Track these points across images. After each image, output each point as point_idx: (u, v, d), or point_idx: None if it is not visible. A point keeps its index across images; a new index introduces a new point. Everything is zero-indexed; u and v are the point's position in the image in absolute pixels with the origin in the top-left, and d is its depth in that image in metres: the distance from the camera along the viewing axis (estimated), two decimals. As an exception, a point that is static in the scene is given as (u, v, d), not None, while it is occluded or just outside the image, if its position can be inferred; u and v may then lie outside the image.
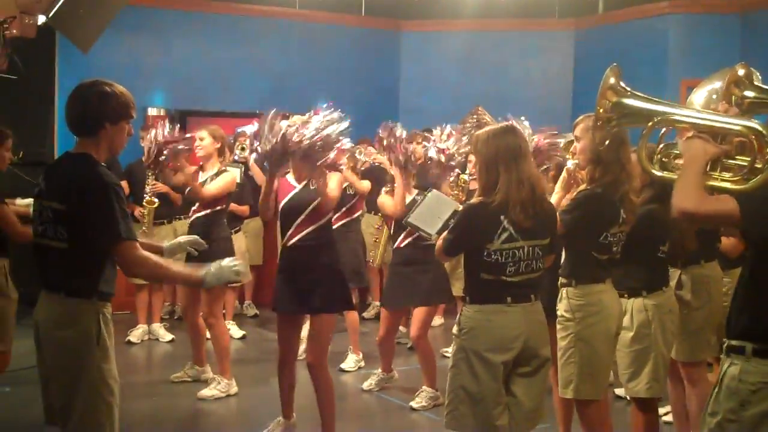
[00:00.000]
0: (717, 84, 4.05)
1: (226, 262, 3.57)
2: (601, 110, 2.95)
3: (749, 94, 3.22)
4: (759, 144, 2.58)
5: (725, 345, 2.65)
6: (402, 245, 6.03)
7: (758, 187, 2.59)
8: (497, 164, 3.61)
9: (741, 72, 3.22)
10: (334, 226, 6.55)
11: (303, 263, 4.93)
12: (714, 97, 3.96)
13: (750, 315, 2.57)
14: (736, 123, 2.66)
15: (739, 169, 2.67)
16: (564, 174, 4.29)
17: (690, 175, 2.59)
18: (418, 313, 6.06)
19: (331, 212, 5.12)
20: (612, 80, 2.92)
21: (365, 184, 7.31)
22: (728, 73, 3.32)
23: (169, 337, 7.93)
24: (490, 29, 11.27)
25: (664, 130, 2.91)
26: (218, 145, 6.26)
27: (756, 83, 3.42)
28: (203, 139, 6.24)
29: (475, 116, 6.30)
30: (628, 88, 2.92)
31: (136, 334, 7.79)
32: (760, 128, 2.60)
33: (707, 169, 2.65)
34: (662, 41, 9.97)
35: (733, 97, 3.07)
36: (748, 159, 2.62)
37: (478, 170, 3.74)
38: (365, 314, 8.88)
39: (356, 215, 7.29)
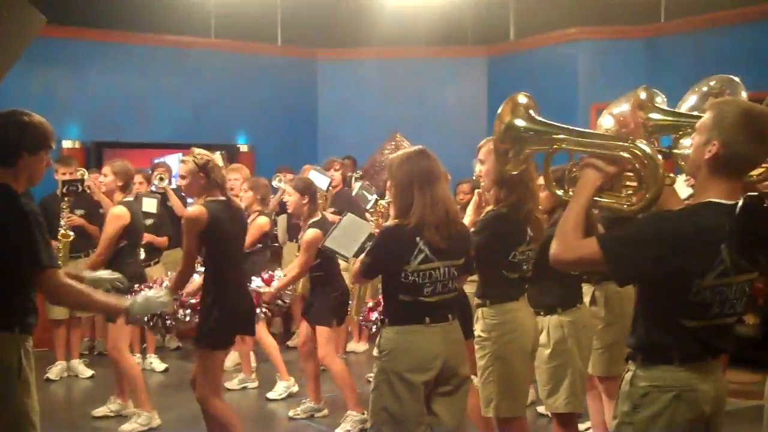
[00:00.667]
0: (624, 107, 4.21)
1: (152, 293, 3.55)
2: (496, 138, 2.98)
3: (654, 116, 3.36)
4: (643, 165, 2.69)
5: (627, 353, 2.79)
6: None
7: (646, 208, 2.70)
8: (411, 187, 3.68)
9: (643, 95, 3.36)
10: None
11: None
12: (621, 119, 4.11)
13: (639, 332, 2.71)
14: (619, 145, 2.75)
15: (633, 189, 2.78)
16: (475, 197, 4.39)
17: (570, 215, 2.70)
18: (319, 332, 6.10)
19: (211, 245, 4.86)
20: (522, 100, 2.95)
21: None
22: (632, 96, 3.46)
23: (88, 373, 7.76)
24: (405, 57, 11.42)
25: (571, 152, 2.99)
26: (120, 183, 6.15)
27: (658, 105, 3.57)
28: (106, 176, 6.21)
29: (393, 142, 6.39)
30: (529, 112, 2.97)
31: (54, 371, 7.61)
32: (644, 148, 2.70)
33: (604, 189, 2.77)
34: (572, 66, 10.25)
35: (640, 119, 3.19)
36: (635, 178, 2.73)
37: (393, 193, 3.80)
38: (290, 342, 8.85)
39: (257, 248, 7.12)
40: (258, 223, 6.85)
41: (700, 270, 2.53)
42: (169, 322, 5.05)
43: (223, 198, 4.82)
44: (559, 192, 2.95)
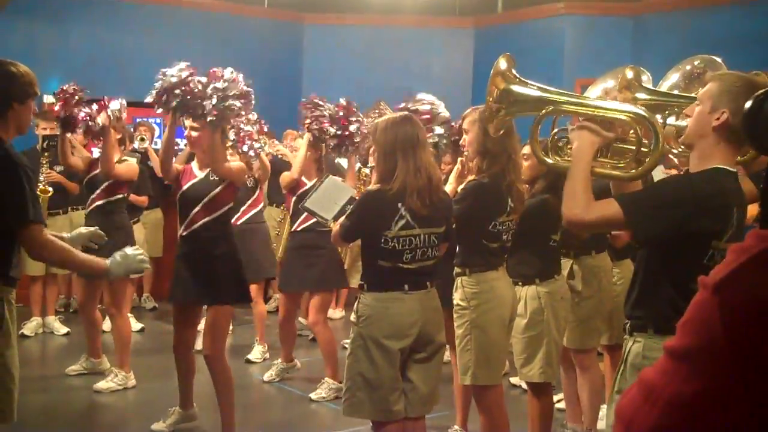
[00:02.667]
0: (610, 83, 4.23)
1: (131, 251, 3.54)
2: (491, 99, 3.02)
3: (641, 96, 3.37)
4: (643, 130, 2.73)
5: (627, 325, 2.79)
6: (298, 229, 6.10)
7: (644, 174, 2.73)
8: (395, 152, 3.67)
9: (630, 74, 3.37)
10: (241, 221, 6.58)
11: (199, 253, 4.90)
12: (608, 95, 4.12)
13: (648, 304, 2.70)
14: (620, 109, 2.79)
15: (624, 155, 2.80)
16: (458, 165, 4.40)
17: (577, 177, 2.70)
18: (314, 299, 6.14)
19: (230, 204, 5.03)
20: (503, 65, 2.98)
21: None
22: (620, 73, 3.47)
23: (64, 330, 7.76)
24: (392, 25, 11.36)
25: (555, 117, 3.00)
26: (119, 136, 6.20)
27: (645, 85, 3.59)
28: None
29: (377, 110, 6.38)
30: (518, 76, 2.99)
31: (30, 327, 7.60)
32: (643, 113, 2.74)
33: (597, 156, 2.78)
34: (558, 41, 10.24)
35: (626, 99, 3.20)
36: (634, 143, 2.75)
37: (377, 158, 3.80)
38: (267, 307, 8.85)
39: (260, 207, 7.23)
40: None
41: (720, 231, 2.57)
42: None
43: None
44: (549, 160, 2.95)
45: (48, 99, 9.42)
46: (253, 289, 6.75)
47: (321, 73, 11.45)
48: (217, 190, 4.88)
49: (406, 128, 3.72)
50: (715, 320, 0.86)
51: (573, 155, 2.78)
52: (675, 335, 0.93)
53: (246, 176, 6.10)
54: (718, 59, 4.03)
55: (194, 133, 4.95)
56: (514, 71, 2.98)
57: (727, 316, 0.86)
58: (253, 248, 6.69)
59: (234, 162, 5.08)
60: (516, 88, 2.95)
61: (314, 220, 5.34)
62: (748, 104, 1.65)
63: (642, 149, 2.74)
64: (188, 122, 4.96)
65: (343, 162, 7.46)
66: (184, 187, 4.96)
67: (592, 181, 2.73)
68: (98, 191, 6.07)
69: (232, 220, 5.52)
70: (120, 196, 6.11)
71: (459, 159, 4.40)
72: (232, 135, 5.82)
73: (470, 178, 4.21)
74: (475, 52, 11.33)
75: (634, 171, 2.76)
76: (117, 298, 6.06)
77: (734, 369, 0.84)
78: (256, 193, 7.21)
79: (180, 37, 10.60)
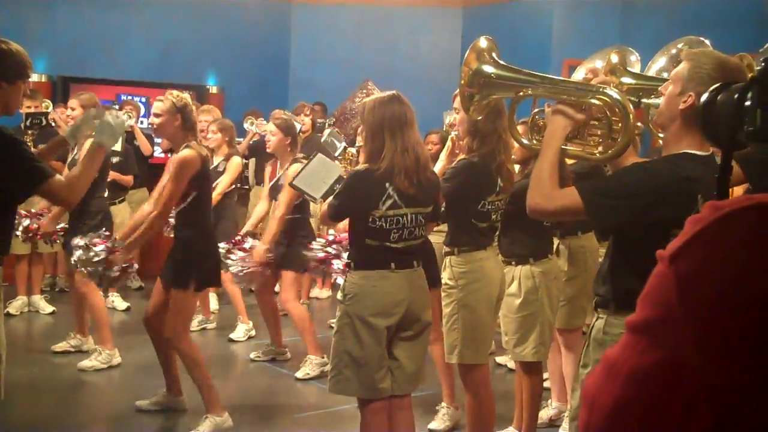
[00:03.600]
0: (598, 63, 4.23)
1: (107, 117, 3.69)
2: (463, 83, 3.01)
3: (627, 80, 3.37)
4: (613, 111, 2.72)
5: (594, 301, 2.81)
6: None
7: (616, 155, 2.73)
8: (383, 131, 3.67)
9: (615, 59, 3.37)
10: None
11: (173, 236, 4.98)
12: (593, 70, 4.12)
13: (613, 282, 2.72)
14: (590, 90, 2.77)
15: (599, 137, 2.80)
16: (448, 143, 4.40)
17: (544, 164, 2.69)
18: (285, 276, 6.13)
19: (192, 192, 4.87)
20: (483, 44, 2.97)
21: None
22: (607, 55, 3.47)
23: (49, 309, 7.73)
24: (380, 4, 11.33)
25: (534, 99, 2.98)
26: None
27: (631, 69, 3.59)
28: (74, 109, 6.15)
29: (364, 90, 6.36)
30: (494, 57, 2.98)
31: (15, 306, 7.57)
32: (614, 95, 2.72)
33: (572, 137, 2.79)
34: (547, 22, 10.24)
35: (611, 83, 3.20)
36: (604, 125, 2.75)
37: (365, 137, 3.80)
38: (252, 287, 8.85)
39: (230, 189, 7.09)
40: (235, 163, 6.86)
41: (680, 218, 2.55)
42: (114, 274, 5.04)
43: (200, 145, 4.91)
44: (525, 141, 2.96)
45: (33, 78, 9.38)
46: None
47: (309, 52, 11.42)
48: None
49: (393, 107, 3.72)
50: (671, 291, 0.86)
51: (544, 140, 2.78)
52: (635, 310, 0.93)
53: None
54: (705, 41, 4.04)
55: (156, 120, 4.91)
56: (494, 54, 2.97)
57: (682, 286, 0.86)
58: (222, 225, 6.70)
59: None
60: (486, 68, 2.94)
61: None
62: (703, 97, 1.66)
63: (614, 129, 2.74)
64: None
65: (334, 140, 7.46)
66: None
67: (573, 164, 2.74)
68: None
69: None
70: None
71: (450, 137, 4.41)
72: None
73: (460, 157, 4.22)
74: (464, 31, 11.31)
75: (609, 152, 2.74)
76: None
77: (691, 339, 0.85)
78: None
79: (166, 15, 10.55)
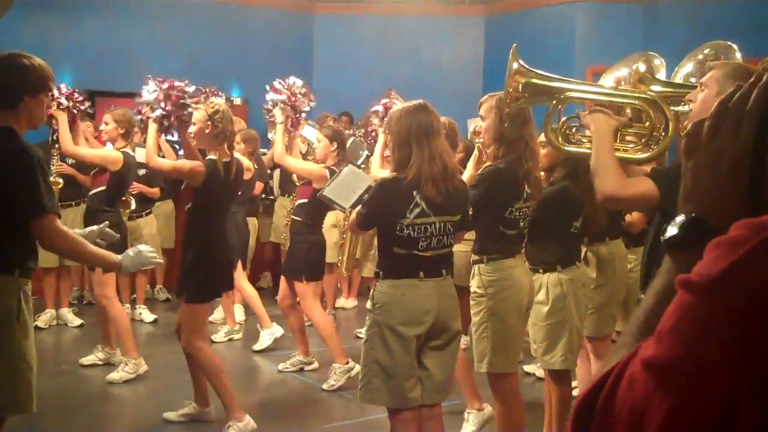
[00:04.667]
0: (623, 71, 4.22)
1: (144, 248, 3.60)
2: (511, 90, 3.06)
3: (656, 88, 3.37)
4: (654, 113, 2.74)
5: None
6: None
7: (659, 154, 2.75)
8: (410, 141, 3.67)
9: (642, 68, 3.37)
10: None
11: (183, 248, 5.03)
12: (622, 84, 4.13)
13: None
14: (631, 95, 2.81)
15: (638, 139, 2.82)
16: (476, 152, 4.40)
17: (605, 155, 2.72)
18: (296, 287, 6.14)
19: (195, 199, 4.93)
20: (515, 65, 3.04)
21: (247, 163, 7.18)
22: (632, 62, 3.47)
23: (77, 322, 7.77)
24: (402, 13, 11.34)
25: (561, 108, 3.04)
26: (122, 130, 6.22)
27: (659, 77, 3.59)
28: (107, 124, 6.29)
29: (388, 99, 6.38)
30: (532, 69, 3.05)
31: (43, 319, 7.61)
32: (653, 98, 2.76)
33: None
34: (570, 29, 10.20)
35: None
36: (647, 128, 2.77)
37: (392, 147, 3.80)
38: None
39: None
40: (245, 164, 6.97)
41: None
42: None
43: (226, 158, 4.91)
44: (568, 147, 2.98)
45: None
46: (236, 274, 6.78)
47: (332, 62, 11.44)
48: (183, 185, 4.96)
49: (420, 117, 3.72)
50: (708, 325, 0.74)
51: (594, 137, 2.81)
52: (652, 344, 0.80)
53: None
54: (732, 44, 4.01)
55: (192, 129, 4.97)
56: (523, 63, 3.03)
57: (725, 320, 0.74)
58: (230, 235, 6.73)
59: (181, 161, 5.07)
60: (536, 81, 3.01)
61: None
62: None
63: (654, 134, 2.77)
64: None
65: (357, 148, 7.47)
66: None
67: None
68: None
69: None
70: (99, 189, 6.13)
71: (477, 145, 4.42)
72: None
73: (487, 164, 4.21)
74: (486, 40, 11.31)
75: (649, 154, 2.79)
76: (104, 287, 6.04)
77: (734, 381, 0.73)
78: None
79: (190, 28, 10.62)
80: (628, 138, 2.86)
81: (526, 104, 3.11)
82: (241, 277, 7.06)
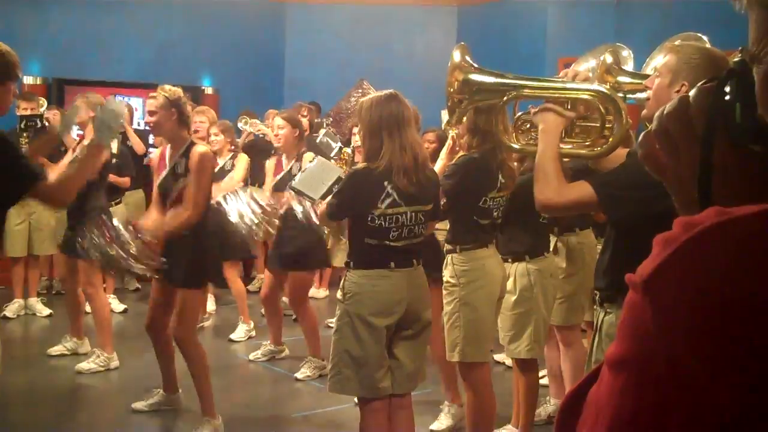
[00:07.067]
0: (591, 62, 4.23)
1: (107, 104, 3.61)
2: (451, 90, 3.00)
3: (623, 79, 3.37)
4: (606, 107, 2.73)
5: (598, 296, 2.81)
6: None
7: (609, 150, 2.74)
8: (381, 131, 3.67)
9: (609, 59, 3.38)
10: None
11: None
12: (589, 75, 4.13)
13: (618, 275, 2.71)
14: (582, 88, 2.79)
15: (590, 134, 2.82)
16: (449, 142, 4.41)
17: (546, 160, 2.71)
18: (292, 278, 6.10)
19: None
20: (457, 58, 2.95)
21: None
22: (600, 53, 3.47)
23: (46, 311, 7.71)
24: (375, 4, 11.32)
25: (516, 102, 3.01)
26: (92, 114, 6.13)
27: (626, 68, 3.60)
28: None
29: (360, 90, 6.36)
30: (475, 64, 2.98)
31: (12, 309, 7.55)
32: (605, 91, 2.74)
33: (562, 136, 2.80)
34: (542, 20, 10.23)
35: (608, 83, 3.21)
36: (598, 121, 2.77)
37: (362, 137, 3.79)
38: (250, 287, 8.84)
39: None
40: (245, 159, 7.05)
41: None
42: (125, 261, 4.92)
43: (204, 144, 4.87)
44: (516, 146, 2.98)
45: (28, 80, 9.37)
46: (230, 268, 6.82)
47: (304, 53, 11.41)
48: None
49: (390, 106, 3.71)
50: (647, 322, 0.77)
51: (540, 138, 2.79)
52: (614, 341, 0.83)
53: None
54: (704, 37, 4.04)
55: (152, 117, 4.81)
56: (468, 59, 2.97)
57: (658, 316, 0.76)
58: (227, 228, 6.69)
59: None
60: (475, 77, 2.94)
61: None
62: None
63: (606, 126, 2.76)
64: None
65: (329, 140, 7.47)
66: None
67: (568, 162, 2.75)
68: None
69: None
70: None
71: (451, 135, 4.42)
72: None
73: (461, 154, 4.22)
74: (459, 31, 11.30)
75: (599, 148, 2.77)
76: (91, 275, 6.00)
77: (674, 374, 0.75)
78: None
79: (161, 17, 10.54)
80: (585, 131, 2.85)
81: (470, 105, 3.05)
82: (232, 270, 7.06)
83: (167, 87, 4.82)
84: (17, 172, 3.20)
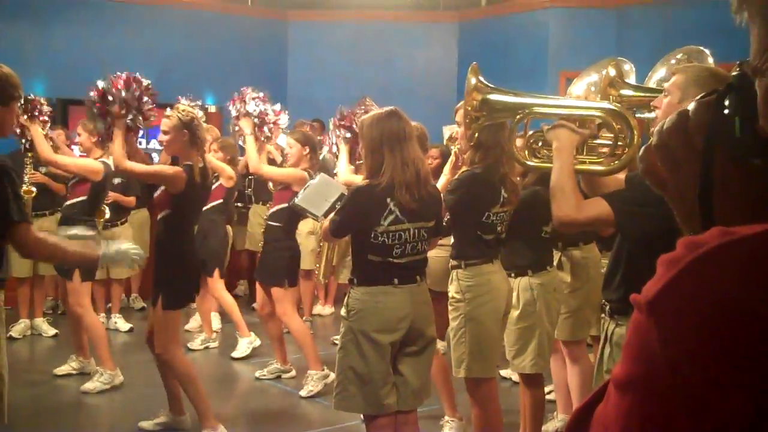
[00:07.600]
0: (594, 76, 4.25)
1: (127, 245, 3.56)
2: (470, 108, 3.08)
3: (626, 92, 3.40)
4: (618, 124, 2.76)
5: (608, 308, 2.82)
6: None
7: (625, 165, 2.76)
8: (382, 147, 3.68)
9: (612, 72, 3.40)
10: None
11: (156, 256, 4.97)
12: (592, 89, 4.15)
13: (629, 288, 2.72)
14: (593, 107, 2.84)
15: (603, 151, 2.84)
16: (452, 157, 4.42)
17: (563, 177, 2.74)
18: (273, 293, 6.10)
19: (166, 209, 4.87)
20: (473, 81, 3.05)
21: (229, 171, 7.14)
22: (602, 67, 3.49)
23: (52, 331, 7.72)
24: (376, 20, 11.36)
25: (527, 120, 3.05)
26: (94, 139, 6.18)
27: (629, 81, 3.62)
28: (80, 135, 6.30)
29: (363, 107, 6.38)
30: (491, 85, 3.06)
31: (17, 329, 7.56)
32: (615, 108, 2.77)
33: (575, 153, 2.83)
34: (543, 34, 10.25)
35: (611, 97, 3.24)
36: (611, 138, 2.79)
37: (364, 154, 3.81)
38: (254, 305, 8.81)
39: (217, 202, 6.97)
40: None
41: None
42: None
43: (201, 164, 4.87)
44: (530, 163, 3.01)
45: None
46: (214, 283, 6.89)
47: (306, 69, 11.44)
48: (157, 192, 4.90)
49: (392, 123, 3.73)
50: (653, 343, 0.77)
51: (555, 155, 2.82)
52: (620, 360, 0.83)
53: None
54: (706, 50, 4.05)
55: (165, 137, 4.90)
56: (482, 80, 3.04)
57: (663, 337, 0.76)
58: (210, 242, 6.74)
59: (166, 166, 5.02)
60: (493, 97, 3.02)
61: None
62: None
63: (619, 143, 2.79)
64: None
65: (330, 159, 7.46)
66: None
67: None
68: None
69: None
70: (78, 199, 6.15)
71: (454, 150, 4.43)
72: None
73: (463, 169, 4.23)
74: (460, 46, 11.34)
75: (612, 165, 2.81)
76: (79, 296, 6.00)
77: (679, 395, 0.75)
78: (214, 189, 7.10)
79: (163, 36, 10.57)
80: (594, 150, 2.88)
81: (487, 122, 3.12)
82: (219, 285, 7.06)
83: (182, 107, 4.91)
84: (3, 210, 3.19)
